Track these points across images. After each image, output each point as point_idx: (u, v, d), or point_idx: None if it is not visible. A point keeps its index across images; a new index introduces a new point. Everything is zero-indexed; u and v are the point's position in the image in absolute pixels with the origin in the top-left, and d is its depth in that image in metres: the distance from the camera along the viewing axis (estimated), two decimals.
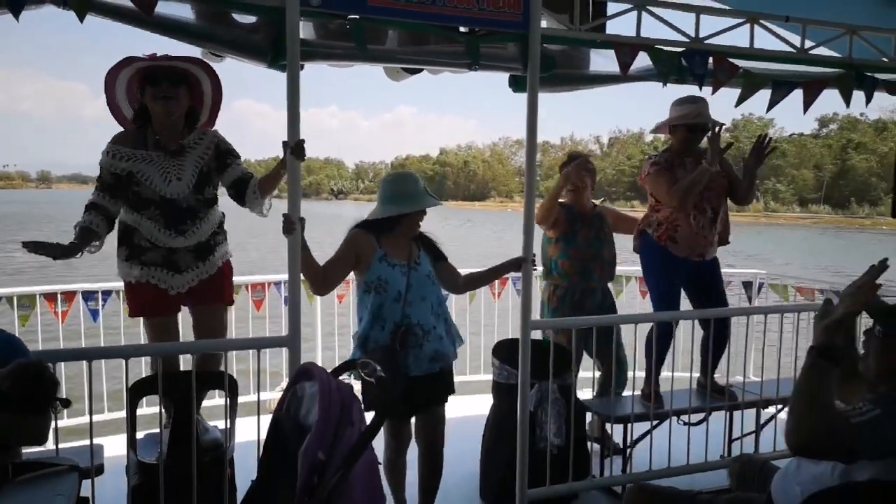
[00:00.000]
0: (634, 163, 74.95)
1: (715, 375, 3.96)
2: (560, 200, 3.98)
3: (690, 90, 3.60)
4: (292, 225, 2.62)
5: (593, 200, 4.13)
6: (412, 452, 3.13)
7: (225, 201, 3.24)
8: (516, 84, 3.23)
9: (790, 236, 42.59)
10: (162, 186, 2.99)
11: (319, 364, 5.25)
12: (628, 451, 3.61)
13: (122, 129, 3.11)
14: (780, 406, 3.88)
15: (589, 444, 3.67)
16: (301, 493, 1.69)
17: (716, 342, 3.82)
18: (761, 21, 3.50)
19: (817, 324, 1.87)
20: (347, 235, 3.00)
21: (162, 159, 3.02)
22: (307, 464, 1.71)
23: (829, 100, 3.81)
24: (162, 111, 2.98)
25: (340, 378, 2.07)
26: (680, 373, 4.28)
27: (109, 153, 3.01)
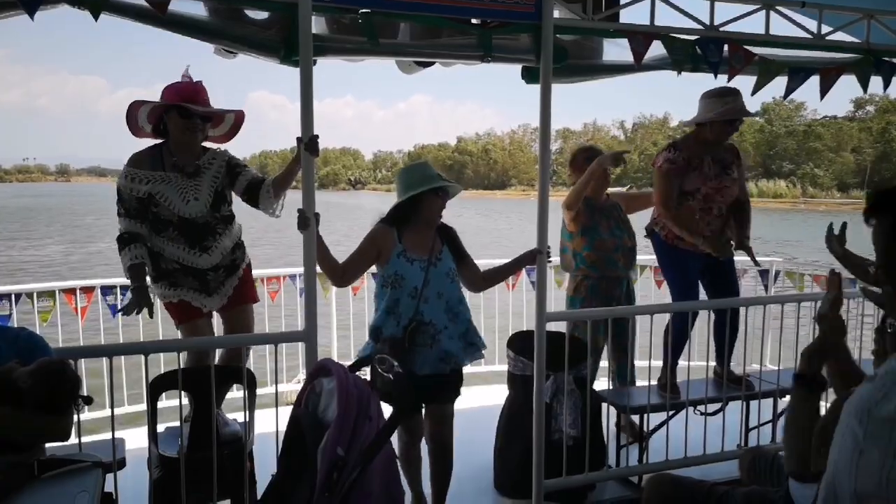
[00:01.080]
0: (662, 147, 73.80)
1: (731, 364, 3.96)
2: None
3: (705, 78, 3.56)
4: (307, 220, 2.63)
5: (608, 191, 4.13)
6: (425, 445, 3.16)
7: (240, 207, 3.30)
8: (529, 75, 3.21)
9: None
10: (180, 206, 3.09)
11: (335, 357, 5.31)
12: (644, 441, 3.61)
13: (132, 133, 3.19)
14: None
15: (605, 434, 3.67)
16: (321, 488, 1.72)
17: (729, 331, 3.81)
18: (777, 7, 3.45)
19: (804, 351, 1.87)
20: (370, 231, 3.03)
21: (179, 180, 3.11)
22: (326, 460, 1.73)
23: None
24: (189, 140, 3.11)
25: (357, 373, 2.09)
26: (696, 362, 4.26)
27: (127, 176, 3.10)
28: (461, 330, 3.04)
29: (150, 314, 3.13)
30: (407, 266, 2.93)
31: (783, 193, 62.14)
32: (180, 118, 3.07)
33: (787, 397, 3.89)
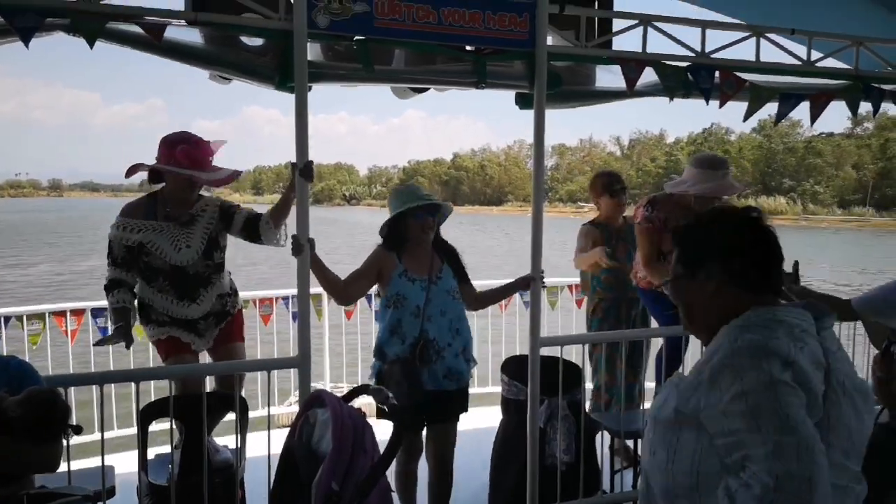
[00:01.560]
0: (660, 164, 72.96)
1: None
2: (593, 220, 4.15)
3: (697, 105, 3.58)
4: (301, 247, 2.63)
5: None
6: (422, 464, 3.14)
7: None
8: (523, 101, 3.23)
9: (833, 240, 39.67)
10: (172, 255, 3.10)
11: (328, 381, 5.27)
12: (639, 465, 3.59)
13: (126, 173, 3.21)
14: None
15: (599, 458, 3.65)
16: None
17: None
18: (767, 34, 3.50)
19: None
20: (372, 252, 3.06)
21: (172, 229, 3.14)
22: (321, 495, 1.71)
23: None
24: (182, 192, 3.16)
25: (351, 404, 2.07)
26: None
27: (119, 226, 3.13)
28: (462, 347, 3.07)
29: (128, 347, 3.15)
30: (408, 286, 2.96)
31: (783, 210, 61.35)
32: (184, 180, 3.11)
33: None
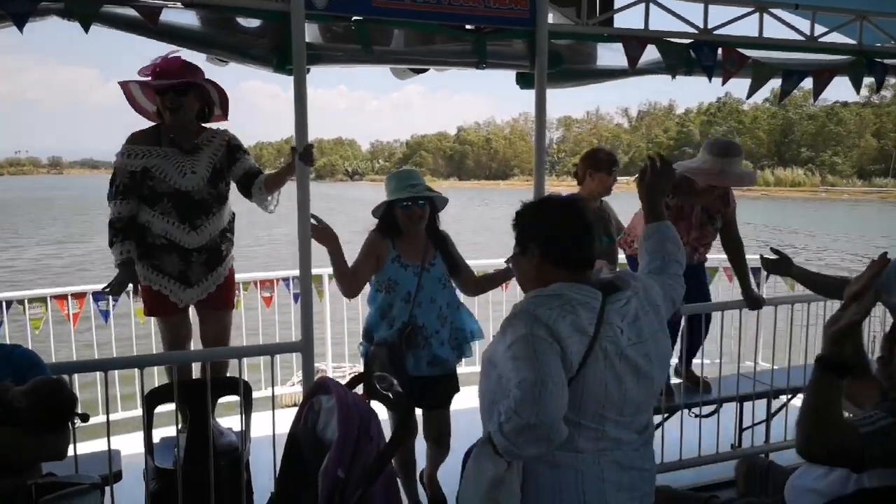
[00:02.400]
0: (672, 135, 71.10)
1: (695, 363, 4.01)
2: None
3: (699, 81, 3.54)
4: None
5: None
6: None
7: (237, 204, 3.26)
8: (523, 81, 3.20)
9: (855, 212, 38.38)
10: (177, 179, 3.02)
11: (329, 363, 5.28)
12: None
13: (144, 118, 3.18)
14: (790, 396, 3.88)
15: None
16: None
17: (694, 335, 3.82)
18: (770, 10, 3.45)
19: (826, 330, 1.82)
20: (366, 239, 3.01)
21: (177, 155, 3.05)
22: (328, 482, 1.73)
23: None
24: (170, 118, 3.02)
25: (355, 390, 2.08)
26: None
27: (124, 154, 3.04)
28: (448, 335, 3.04)
29: (136, 290, 3.12)
30: (401, 271, 2.94)
31: (801, 182, 59.32)
32: (159, 97, 3.00)
33: (781, 398, 3.94)
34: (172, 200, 3.03)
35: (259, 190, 3.16)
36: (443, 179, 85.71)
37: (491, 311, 5.33)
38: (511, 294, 5.50)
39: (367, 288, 3.09)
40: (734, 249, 3.84)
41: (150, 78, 2.99)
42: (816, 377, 1.71)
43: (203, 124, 3.18)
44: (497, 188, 77.58)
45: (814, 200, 47.08)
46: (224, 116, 3.25)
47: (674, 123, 77.31)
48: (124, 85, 3.07)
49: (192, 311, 3.30)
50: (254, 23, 2.80)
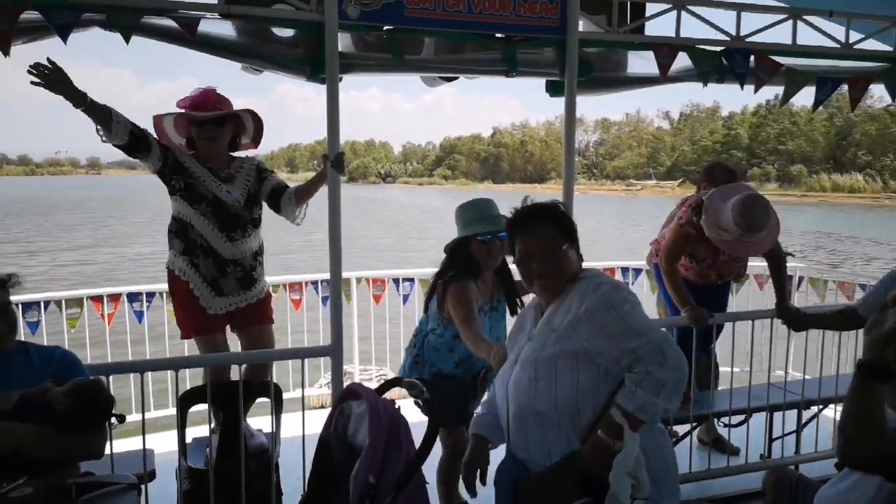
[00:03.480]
0: (717, 137, 67.94)
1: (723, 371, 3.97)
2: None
3: (732, 90, 3.51)
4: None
5: None
6: None
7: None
8: (553, 89, 3.21)
9: None
10: (216, 189, 3.08)
11: (357, 363, 5.30)
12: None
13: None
14: (821, 406, 3.83)
15: None
16: None
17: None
18: (804, 17, 3.42)
19: (867, 335, 1.79)
20: (461, 290, 2.74)
21: (214, 178, 3.11)
22: (359, 488, 1.75)
23: None
24: (206, 147, 3.09)
25: (385, 396, 2.10)
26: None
27: (164, 148, 3.08)
28: None
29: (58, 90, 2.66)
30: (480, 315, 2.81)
31: (860, 188, 55.94)
32: (196, 128, 3.07)
33: (812, 408, 3.89)
34: (211, 206, 3.07)
35: (289, 201, 3.21)
36: (477, 183, 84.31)
37: None
38: None
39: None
40: (774, 264, 3.65)
41: (186, 110, 3.05)
42: (857, 383, 1.67)
43: (232, 153, 3.25)
44: (534, 191, 75.75)
45: (877, 208, 43.81)
46: (254, 144, 3.31)
47: (719, 126, 73.25)
48: (157, 119, 3.11)
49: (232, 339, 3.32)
50: (288, 32, 2.86)
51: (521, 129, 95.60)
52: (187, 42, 2.61)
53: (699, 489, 3.52)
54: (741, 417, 3.76)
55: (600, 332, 1.92)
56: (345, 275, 3.85)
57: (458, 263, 2.79)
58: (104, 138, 2.91)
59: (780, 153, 63.48)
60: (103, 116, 2.84)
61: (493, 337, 2.81)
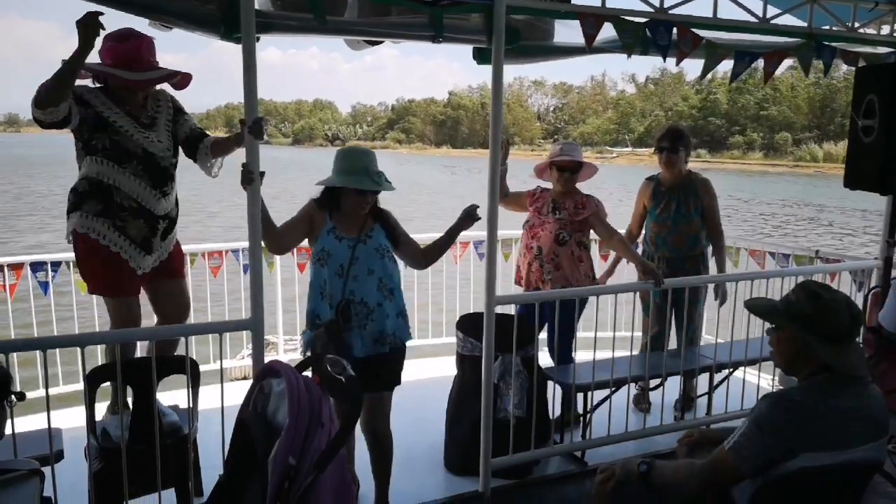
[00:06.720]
0: (694, 103, 66.04)
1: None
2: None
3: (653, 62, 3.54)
4: (251, 180, 2.52)
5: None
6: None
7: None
8: (480, 56, 3.16)
9: None
10: (145, 142, 2.91)
11: (281, 334, 5.18)
12: (588, 416, 3.70)
13: None
14: (731, 369, 4.01)
15: (551, 411, 3.74)
16: (272, 499, 1.69)
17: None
18: None
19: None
20: (305, 205, 2.90)
21: (137, 126, 2.92)
22: (278, 470, 1.71)
23: None
24: (126, 95, 2.91)
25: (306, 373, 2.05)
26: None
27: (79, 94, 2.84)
28: (400, 307, 2.93)
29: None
30: (335, 243, 2.81)
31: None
32: (122, 80, 2.86)
33: (723, 371, 4.06)
34: (143, 163, 2.91)
35: (205, 150, 3.08)
36: (434, 147, 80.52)
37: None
38: (465, 266, 5.51)
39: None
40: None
41: (116, 65, 2.84)
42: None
43: None
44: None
45: None
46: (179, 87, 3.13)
47: (691, 92, 70.32)
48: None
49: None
50: None
51: (479, 91, 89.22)
52: None
53: (616, 450, 3.64)
54: (657, 381, 3.91)
55: None
56: None
57: (321, 198, 2.87)
58: (41, 112, 2.68)
59: (760, 120, 61.68)
60: (67, 86, 2.64)
61: (364, 269, 2.81)
